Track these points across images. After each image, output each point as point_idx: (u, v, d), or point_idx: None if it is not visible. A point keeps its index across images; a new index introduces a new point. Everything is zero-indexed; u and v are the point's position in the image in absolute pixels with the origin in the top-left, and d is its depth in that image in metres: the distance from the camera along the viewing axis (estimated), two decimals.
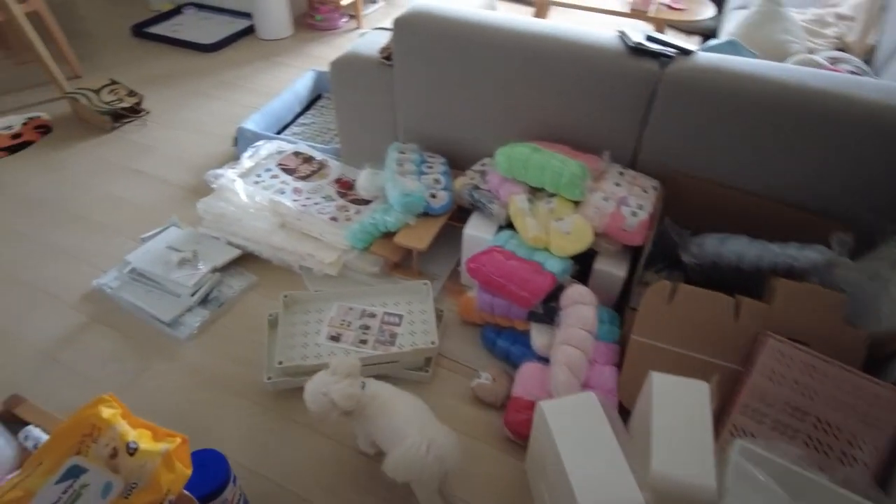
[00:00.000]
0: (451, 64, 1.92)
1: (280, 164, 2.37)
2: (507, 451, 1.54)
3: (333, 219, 2.13)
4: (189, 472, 0.69)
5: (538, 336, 1.66)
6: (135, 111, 2.91)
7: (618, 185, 1.76)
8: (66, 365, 1.77)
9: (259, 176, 2.30)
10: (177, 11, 4.00)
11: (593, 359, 1.57)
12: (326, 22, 3.86)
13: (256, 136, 2.52)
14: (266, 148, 2.44)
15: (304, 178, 2.33)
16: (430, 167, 2.08)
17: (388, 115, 2.20)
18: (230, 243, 2.10)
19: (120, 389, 1.70)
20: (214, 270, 2.01)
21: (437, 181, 2.02)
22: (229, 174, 2.24)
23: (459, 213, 1.98)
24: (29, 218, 2.32)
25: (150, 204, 2.39)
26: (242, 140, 2.56)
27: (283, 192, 2.22)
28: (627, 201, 1.70)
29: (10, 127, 2.78)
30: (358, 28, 3.91)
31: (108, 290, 1.98)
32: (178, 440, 0.70)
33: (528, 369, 1.61)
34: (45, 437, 0.77)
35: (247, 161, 2.35)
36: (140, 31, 3.73)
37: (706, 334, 1.49)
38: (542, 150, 1.75)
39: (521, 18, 1.88)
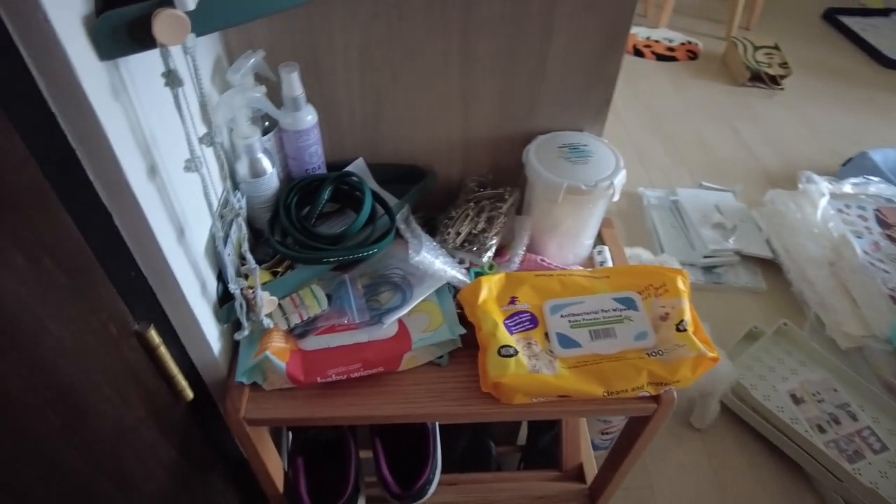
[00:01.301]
0: None
1: (877, 211, 2.04)
2: None
3: (893, 298, 1.77)
4: (691, 382, 0.69)
5: None
6: (773, 81, 2.88)
7: None
8: None
9: (847, 207, 2.03)
10: (883, 13, 3.64)
11: None
12: None
13: (875, 171, 2.20)
14: (875, 187, 2.12)
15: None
16: None
17: None
18: (769, 242, 1.99)
19: None
20: (737, 254, 1.95)
21: None
22: (822, 186, 2.04)
23: None
24: (646, 116, 2.64)
25: (726, 161, 2.41)
26: (856, 165, 2.28)
27: (860, 237, 1.93)
28: None
29: (670, 40, 3.12)
30: None
31: (645, 201, 2.15)
32: (716, 355, 0.69)
33: None
34: (609, 258, 0.88)
35: (847, 186, 2.09)
36: (832, 15, 3.56)
37: None
38: None
39: None
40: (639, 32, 3.10)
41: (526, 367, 0.68)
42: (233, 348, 0.74)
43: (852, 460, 1.42)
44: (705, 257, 1.92)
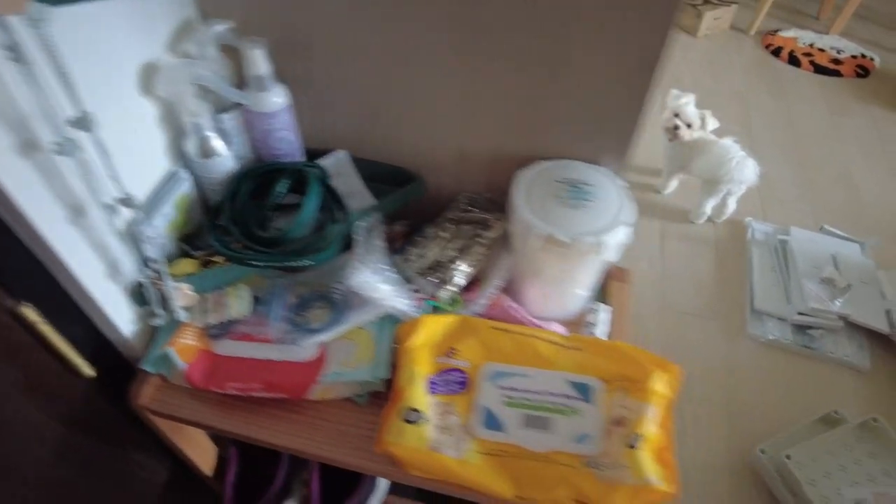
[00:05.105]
0: None
1: None
2: None
3: None
4: None
5: None
6: None
7: None
8: (641, 238, 1.81)
9: None
10: None
11: None
12: None
13: None
14: None
15: None
16: None
17: None
18: (889, 314, 1.62)
19: (657, 305, 1.65)
20: (843, 319, 1.61)
21: None
22: None
23: None
24: (784, 135, 2.23)
25: (870, 207, 1.98)
26: None
27: None
28: None
29: (839, 51, 2.61)
30: None
31: (749, 234, 1.84)
32: (673, 489, 0.53)
33: None
34: (605, 320, 0.71)
35: None
36: None
37: None
38: None
39: None
40: (801, 37, 2.62)
41: (426, 442, 0.56)
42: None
43: None
44: (800, 314, 1.61)
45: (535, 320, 0.69)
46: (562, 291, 0.70)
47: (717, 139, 1.75)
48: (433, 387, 0.60)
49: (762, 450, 1.32)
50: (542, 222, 0.61)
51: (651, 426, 0.55)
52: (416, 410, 0.57)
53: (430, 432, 0.56)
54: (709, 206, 1.82)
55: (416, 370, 0.60)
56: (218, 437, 0.87)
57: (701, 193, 1.81)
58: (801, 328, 1.62)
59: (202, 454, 0.82)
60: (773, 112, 2.33)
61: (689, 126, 1.72)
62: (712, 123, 1.74)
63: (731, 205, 1.84)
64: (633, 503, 0.53)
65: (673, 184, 1.93)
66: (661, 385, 0.58)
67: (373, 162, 0.77)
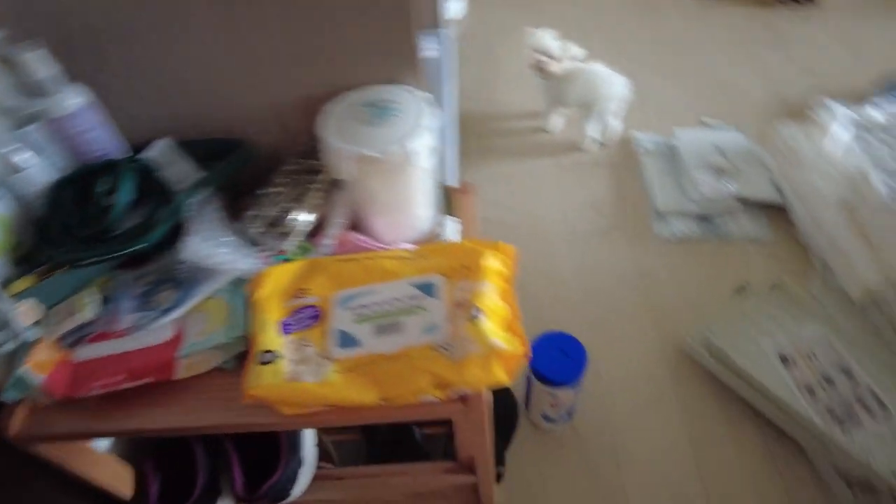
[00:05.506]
0: None
1: None
2: None
3: None
4: (504, 383, 0.56)
5: None
6: None
7: None
8: (539, 178, 1.87)
9: (873, 135, 1.71)
10: None
11: None
12: None
13: None
14: None
15: None
16: None
17: None
18: (777, 185, 1.71)
19: (565, 235, 1.70)
20: (739, 199, 1.69)
21: None
22: (841, 114, 1.73)
23: None
24: (653, 52, 2.34)
25: (740, 93, 2.10)
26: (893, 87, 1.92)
27: (884, 170, 1.62)
28: None
29: None
30: None
31: (638, 148, 1.92)
32: (521, 350, 0.55)
33: None
34: (454, 230, 0.74)
35: (877, 113, 1.76)
36: None
37: None
38: None
39: None
40: None
41: (283, 376, 0.57)
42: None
43: (845, 423, 1.21)
44: (694, 202, 1.68)
45: (386, 247, 0.70)
46: (403, 214, 0.72)
47: (584, 66, 1.81)
48: (286, 327, 0.61)
49: (688, 335, 1.39)
50: (351, 145, 0.63)
51: (489, 299, 0.58)
52: (269, 352, 0.58)
53: (285, 367, 0.57)
54: (592, 130, 1.88)
55: (266, 318, 0.61)
56: (131, 456, 0.86)
57: (581, 121, 1.88)
58: (703, 218, 1.69)
59: (116, 477, 0.81)
60: (638, 32, 2.43)
61: (552, 59, 1.77)
62: (576, 51, 1.80)
63: (615, 124, 1.91)
64: (487, 371, 0.55)
65: (558, 120, 1.99)
66: (493, 262, 0.61)
67: (204, 141, 0.78)
